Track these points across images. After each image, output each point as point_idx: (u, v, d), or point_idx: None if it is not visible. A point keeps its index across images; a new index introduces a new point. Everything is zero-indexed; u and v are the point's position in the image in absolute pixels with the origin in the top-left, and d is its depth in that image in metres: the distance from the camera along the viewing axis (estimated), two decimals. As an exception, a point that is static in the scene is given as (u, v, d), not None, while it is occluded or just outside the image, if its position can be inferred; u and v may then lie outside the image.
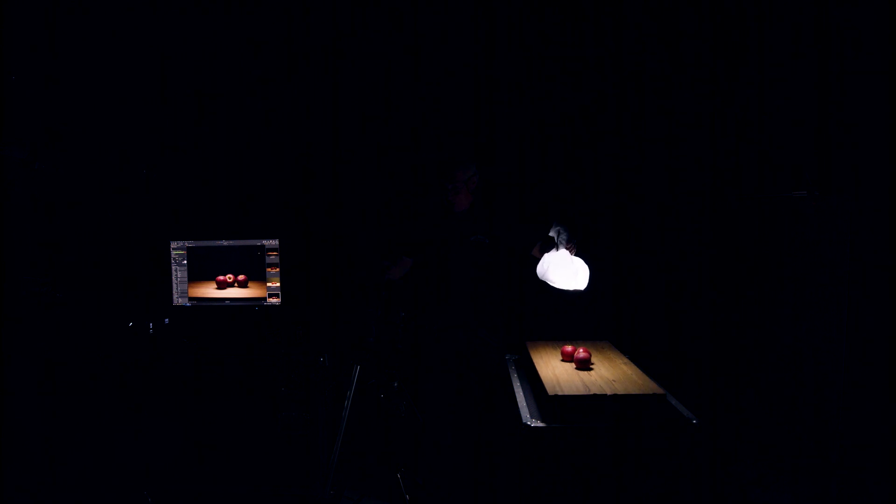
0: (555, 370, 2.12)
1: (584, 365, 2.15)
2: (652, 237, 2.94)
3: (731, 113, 2.79)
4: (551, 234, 2.39)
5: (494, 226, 2.67)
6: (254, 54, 3.15)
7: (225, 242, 2.97)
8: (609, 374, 2.06)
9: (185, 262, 3.01)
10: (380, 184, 3.16)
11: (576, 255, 2.35)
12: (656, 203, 2.93)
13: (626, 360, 2.24)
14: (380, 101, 3.13)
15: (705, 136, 2.84)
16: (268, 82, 3.18)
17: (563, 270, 2.29)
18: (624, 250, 2.97)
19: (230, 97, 3.19)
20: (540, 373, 2.07)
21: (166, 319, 2.95)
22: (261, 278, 2.96)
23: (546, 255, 2.40)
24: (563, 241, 2.33)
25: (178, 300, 3.03)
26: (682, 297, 2.90)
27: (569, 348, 2.25)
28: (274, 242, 2.94)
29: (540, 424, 1.81)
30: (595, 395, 1.83)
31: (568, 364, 2.21)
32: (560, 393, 1.85)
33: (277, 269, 2.94)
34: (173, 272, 3.02)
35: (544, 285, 2.39)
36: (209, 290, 3.01)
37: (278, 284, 2.95)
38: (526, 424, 1.82)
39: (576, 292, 2.31)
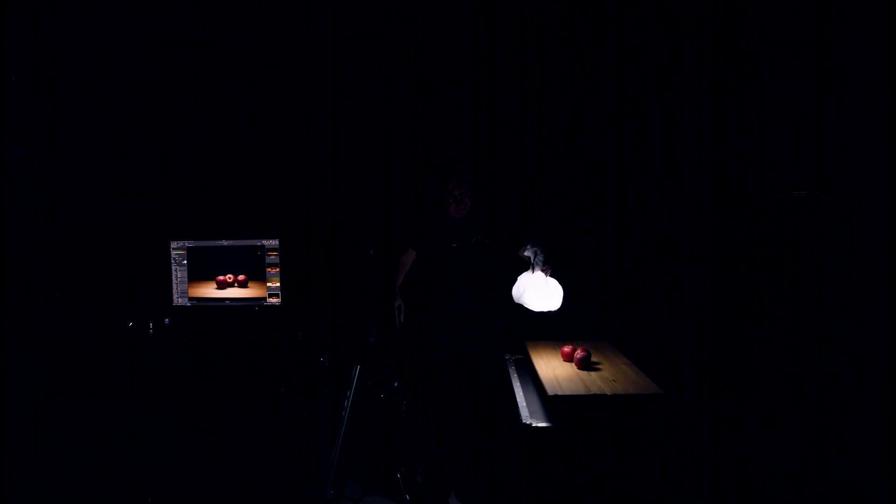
0: (555, 370, 2.12)
1: (584, 365, 2.15)
2: (652, 237, 2.94)
3: (732, 113, 2.79)
4: (527, 254, 2.34)
5: (495, 226, 2.67)
6: (255, 54, 3.15)
7: (225, 242, 2.97)
8: (609, 374, 2.07)
9: (185, 262, 3.01)
10: (380, 184, 3.17)
11: (550, 275, 2.31)
12: (656, 203, 2.93)
13: (626, 360, 2.24)
14: (380, 101, 3.13)
15: (705, 135, 2.84)
16: (269, 82, 3.18)
17: (540, 293, 2.25)
18: (624, 250, 2.97)
19: (231, 96, 3.19)
20: (540, 373, 2.07)
21: (166, 319, 2.95)
22: (261, 278, 2.96)
23: (521, 278, 2.36)
24: (540, 263, 2.29)
25: (178, 300, 3.03)
26: (682, 297, 2.90)
27: (569, 348, 2.25)
28: (274, 242, 2.94)
29: (540, 424, 1.81)
30: (595, 395, 1.83)
31: (568, 364, 2.21)
32: (560, 393, 1.85)
33: (277, 269, 2.94)
34: (173, 272, 3.02)
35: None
36: (209, 290, 3.01)
37: (278, 284, 2.95)
38: (526, 424, 1.82)
39: (549, 313, 2.28)
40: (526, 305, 2.29)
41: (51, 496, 2.62)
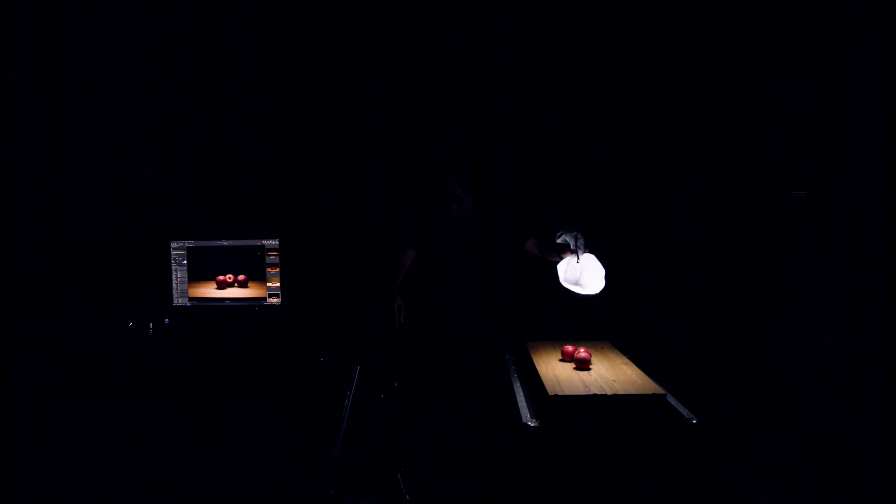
0: (555, 370, 2.12)
1: (584, 365, 2.15)
2: (652, 237, 2.94)
3: (732, 113, 2.79)
4: (562, 240, 2.33)
5: (495, 226, 2.67)
6: (255, 54, 3.15)
7: (225, 242, 2.97)
8: (609, 374, 2.06)
9: (185, 262, 3.01)
10: (380, 184, 3.16)
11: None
12: (656, 203, 2.93)
13: (626, 360, 2.24)
14: (380, 101, 3.13)
15: (705, 135, 2.84)
16: (269, 82, 3.18)
17: (596, 275, 2.25)
18: (624, 250, 2.97)
19: (231, 96, 3.19)
20: (540, 373, 2.07)
21: (166, 319, 2.95)
22: (261, 278, 2.96)
23: (567, 264, 2.33)
24: (583, 246, 2.28)
25: (178, 300, 3.03)
26: (682, 297, 2.90)
27: (569, 348, 2.25)
28: (274, 242, 2.94)
29: (540, 424, 1.81)
30: (595, 395, 1.83)
31: (568, 364, 2.21)
32: (560, 393, 1.85)
33: (277, 269, 2.94)
34: (173, 272, 3.02)
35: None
36: (209, 290, 3.01)
37: (278, 284, 2.95)
38: (526, 424, 1.82)
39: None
40: (581, 289, 2.28)
41: (51, 496, 2.62)
